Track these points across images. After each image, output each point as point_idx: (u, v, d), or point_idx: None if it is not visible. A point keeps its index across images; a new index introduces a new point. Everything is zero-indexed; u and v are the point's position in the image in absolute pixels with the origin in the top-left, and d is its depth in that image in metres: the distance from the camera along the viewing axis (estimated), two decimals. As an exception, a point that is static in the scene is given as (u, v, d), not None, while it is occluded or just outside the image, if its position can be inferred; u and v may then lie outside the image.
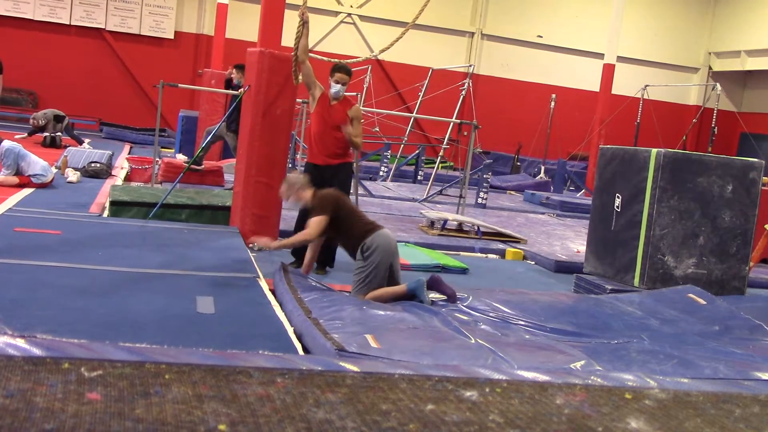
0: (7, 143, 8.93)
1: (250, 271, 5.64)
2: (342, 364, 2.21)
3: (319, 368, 2.11)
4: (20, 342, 2.05)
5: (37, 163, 8.96)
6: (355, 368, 2.16)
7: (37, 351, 2.01)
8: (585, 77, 22.25)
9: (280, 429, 1.72)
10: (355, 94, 14.33)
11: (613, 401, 2.09)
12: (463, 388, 2.07)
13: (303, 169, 6.67)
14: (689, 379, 2.73)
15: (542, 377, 2.20)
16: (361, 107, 12.17)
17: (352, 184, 8.80)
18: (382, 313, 4.70)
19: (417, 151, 16.75)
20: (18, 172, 8.83)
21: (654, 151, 6.35)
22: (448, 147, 16.18)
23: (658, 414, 2.03)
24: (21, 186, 8.74)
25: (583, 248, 7.79)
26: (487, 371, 2.21)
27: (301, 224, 6.18)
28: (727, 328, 5.26)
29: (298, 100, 8.30)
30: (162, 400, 1.82)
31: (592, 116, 17.16)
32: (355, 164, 9.28)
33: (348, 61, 9.32)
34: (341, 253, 5.90)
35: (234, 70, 10.91)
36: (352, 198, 8.34)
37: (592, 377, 2.25)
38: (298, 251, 6.22)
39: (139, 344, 2.56)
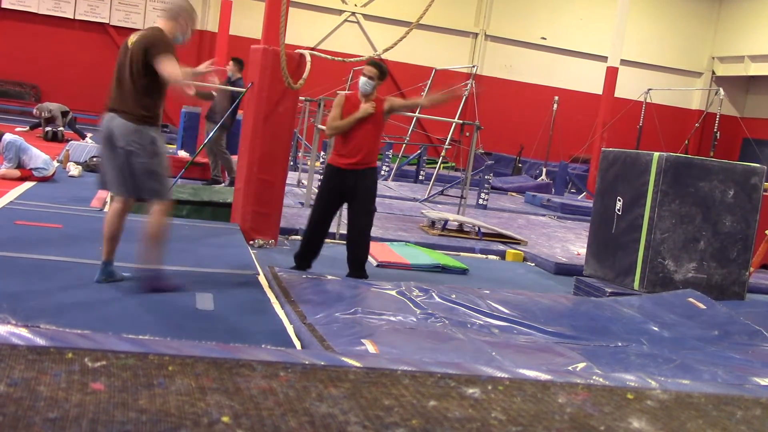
0: (8, 136, 8.93)
1: (250, 268, 5.64)
2: (344, 359, 2.21)
3: (322, 363, 2.11)
4: (24, 331, 2.05)
5: (38, 157, 8.97)
6: (357, 363, 2.16)
7: (40, 341, 2.01)
8: (588, 80, 22.25)
9: (283, 422, 1.73)
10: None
11: (615, 401, 2.09)
12: (465, 386, 2.07)
13: (322, 170, 6.21)
14: (690, 381, 2.74)
15: (544, 376, 2.21)
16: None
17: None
18: (378, 315, 4.68)
19: (419, 151, 16.75)
20: (20, 165, 8.84)
21: (656, 154, 6.35)
22: (450, 147, 16.17)
23: (660, 414, 2.04)
24: (22, 179, 8.75)
25: (583, 251, 7.79)
26: (489, 369, 2.21)
27: (320, 225, 5.93)
28: (726, 333, 5.26)
29: (300, 98, 8.31)
30: (165, 392, 1.82)
31: (594, 119, 17.16)
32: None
33: (351, 60, 9.33)
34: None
35: (231, 64, 10.66)
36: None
37: (594, 377, 2.25)
38: (301, 257, 6.00)
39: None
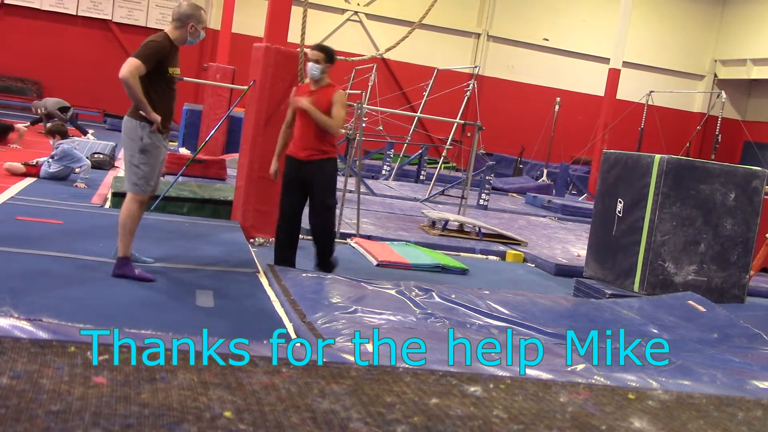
0: (66, 146, 8.98)
1: (250, 265, 5.64)
2: (346, 356, 2.21)
3: (324, 359, 2.11)
4: (26, 325, 2.05)
5: (81, 160, 9.02)
6: (359, 360, 2.16)
7: (43, 334, 2.02)
8: (590, 81, 22.24)
9: (285, 418, 1.73)
10: (360, 92, 14.32)
11: (617, 401, 2.09)
12: (467, 384, 2.08)
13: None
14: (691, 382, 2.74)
15: (546, 375, 2.21)
16: (365, 105, 12.13)
17: (355, 182, 8.79)
18: (378, 314, 4.68)
19: (420, 151, 16.76)
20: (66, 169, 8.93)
21: (657, 157, 6.34)
22: (451, 147, 16.16)
23: (661, 415, 2.04)
24: (25, 175, 8.76)
25: (583, 252, 7.79)
26: (491, 367, 2.21)
27: (288, 219, 5.84)
28: (725, 336, 5.25)
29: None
30: (168, 386, 1.82)
31: (596, 120, 17.16)
32: (358, 162, 9.28)
33: (353, 59, 9.34)
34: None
35: None
36: (353, 196, 8.32)
37: (595, 377, 2.25)
38: (277, 258, 5.92)
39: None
